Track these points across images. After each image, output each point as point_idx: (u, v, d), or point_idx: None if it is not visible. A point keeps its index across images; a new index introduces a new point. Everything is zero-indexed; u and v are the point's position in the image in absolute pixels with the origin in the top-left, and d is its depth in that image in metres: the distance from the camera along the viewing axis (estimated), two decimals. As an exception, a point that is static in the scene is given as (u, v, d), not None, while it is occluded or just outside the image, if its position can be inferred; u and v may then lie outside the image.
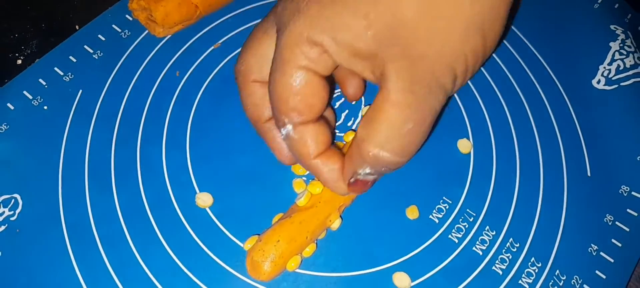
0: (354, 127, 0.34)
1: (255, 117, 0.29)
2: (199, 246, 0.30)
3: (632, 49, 0.37)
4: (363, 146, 0.24)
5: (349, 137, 0.33)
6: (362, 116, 0.26)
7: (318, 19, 0.23)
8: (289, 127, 0.25)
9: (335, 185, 0.27)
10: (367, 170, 0.26)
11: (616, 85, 0.36)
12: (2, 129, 0.33)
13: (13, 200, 0.31)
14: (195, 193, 0.32)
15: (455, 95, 0.36)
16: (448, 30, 0.22)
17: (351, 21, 0.22)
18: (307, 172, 0.32)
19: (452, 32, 0.22)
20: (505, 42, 0.38)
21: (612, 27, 0.38)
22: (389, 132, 0.24)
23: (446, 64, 0.23)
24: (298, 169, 0.32)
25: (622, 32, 0.38)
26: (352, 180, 0.26)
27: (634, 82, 0.36)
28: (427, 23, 0.22)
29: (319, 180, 0.28)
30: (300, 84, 0.24)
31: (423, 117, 0.24)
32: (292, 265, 0.29)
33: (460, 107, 0.35)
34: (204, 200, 0.31)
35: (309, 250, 0.29)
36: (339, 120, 0.35)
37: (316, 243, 0.30)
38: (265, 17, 0.28)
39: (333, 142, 0.28)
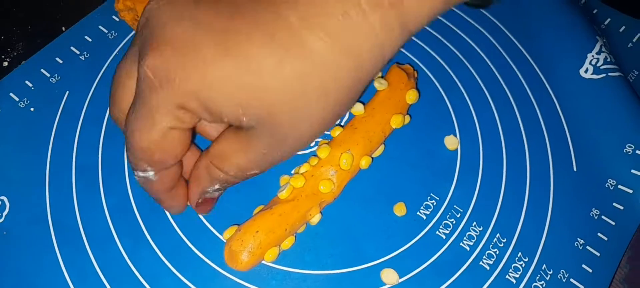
0: (341, 124, 0.34)
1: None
2: (187, 245, 0.30)
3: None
4: (219, 164, 0.26)
5: (335, 132, 0.32)
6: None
7: (188, 84, 0.21)
8: (150, 173, 0.25)
9: (180, 210, 0.29)
10: (216, 187, 0.27)
11: (604, 75, 0.35)
12: (-12, 131, 0.33)
13: (0, 203, 0.31)
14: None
15: (442, 91, 0.36)
16: (310, 121, 0.23)
17: (225, 102, 0.22)
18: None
19: (314, 122, 0.23)
20: (491, 38, 0.38)
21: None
22: (242, 161, 0.25)
23: (304, 143, 0.24)
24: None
25: (610, 21, 0.38)
26: (200, 200, 0.28)
27: (621, 74, 0.36)
28: (293, 115, 0.22)
29: (164, 207, 0.29)
30: (169, 140, 0.23)
31: (272, 160, 0.25)
32: (270, 256, 0.29)
33: (447, 104, 0.36)
34: None
35: (287, 243, 0.29)
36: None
37: (295, 237, 0.30)
38: (128, 53, 0.25)
39: None
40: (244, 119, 0.22)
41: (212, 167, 0.26)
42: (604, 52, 0.36)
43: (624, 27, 0.39)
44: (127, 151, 0.25)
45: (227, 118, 0.22)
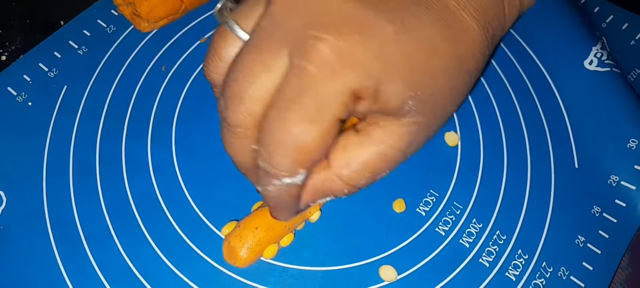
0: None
1: (244, 160, 0.24)
2: (185, 241, 0.30)
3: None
4: (344, 175, 0.23)
5: None
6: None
7: (371, 66, 0.20)
8: (300, 177, 0.22)
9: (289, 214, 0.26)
10: (328, 199, 0.25)
11: (608, 69, 0.35)
12: (-15, 126, 0.33)
13: (-3, 198, 0.31)
14: (181, 188, 0.32)
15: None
16: (460, 99, 0.23)
17: (399, 84, 0.20)
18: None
19: (461, 100, 0.24)
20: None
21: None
22: (367, 169, 0.23)
23: (444, 123, 0.24)
24: None
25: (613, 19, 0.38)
26: (304, 207, 0.25)
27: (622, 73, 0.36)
28: (450, 95, 0.23)
29: (269, 205, 0.25)
30: (333, 135, 0.21)
31: (417, 147, 0.24)
32: (269, 253, 0.29)
33: (447, 100, 0.35)
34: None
35: (286, 240, 0.29)
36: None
37: (294, 234, 0.30)
38: (266, 35, 0.21)
39: None
40: (410, 103, 0.21)
41: (335, 179, 0.23)
42: (606, 49, 0.36)
43: (626, 24, 0.39)
44: (271, 156, 0.21)
45: (393, 103, 0.21)
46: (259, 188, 0.24)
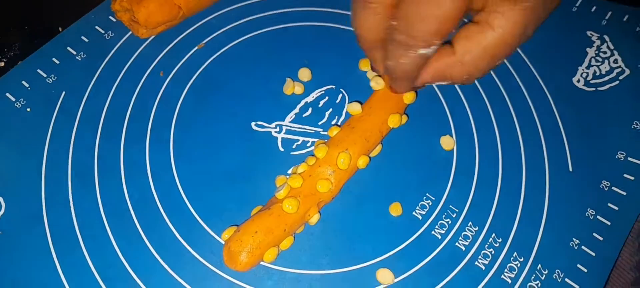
0: (339, 123, 0.34)
1: (374, 36, 0.27)
2: (182, 244, 0.30)
3: (608, 55, 0.38)
4: (467, 60, 0.26)
5: (333, 132, 0.33)
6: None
7: None
8: (434, 47, 0.25)
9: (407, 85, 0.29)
10: (444, 83, 0.28)
11: (594, 89, 0.36)
12: (-16, 132, 0.33)
13: (-5, 203, 0.31)
14: (179, 192, 0.32)
15: (438, 91, 0.36)
16: None
17: None
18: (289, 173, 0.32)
19: None
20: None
21: (588, 33, 0.39)
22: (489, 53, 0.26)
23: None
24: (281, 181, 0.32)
25: (598, 38, 0.38)
26: (420, 85, 0.29)
27: (610, 87, 0.36)
28: None
29: (394, 77, 0.28)
30: (465, 6, 0.24)
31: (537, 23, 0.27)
32: (269, 257, 0.29)
33: (443, 104, 0.36)
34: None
35: (286, 243, 0.29)
36: (322, 118, 0.35)
37: (294, 237, 0.30)
38: None
39: None
40: None
41: (457, 64, 0.27)
42: (593, 65, 0.37)
43: (627, 16, 0.40)
44: (412, 26, 0.24)
45: None
46: (389, 63, 0.27)
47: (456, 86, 0.36)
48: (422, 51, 0.25)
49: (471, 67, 0.27)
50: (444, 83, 0.28)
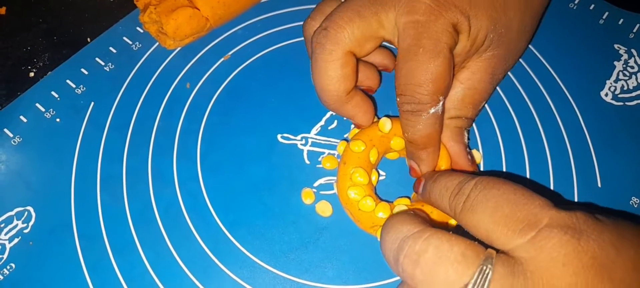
0: (347, 138, 0.34)
1: (341, 89, 0.29)
2: (209, 256, 0.30)
3: (635, 69, 0.37)
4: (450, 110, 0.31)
5: (341, 147, 0.33)
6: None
7: (460, 3, 0.27)
8: (441, 104, 0.28)
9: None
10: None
11: (622, 103, 0.36)
12: (15, 142, 0.34)
13: (26, 213, 0.31)
14: (206, 203, 0.32)
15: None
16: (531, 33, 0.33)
17: (484, 18, 0.28)
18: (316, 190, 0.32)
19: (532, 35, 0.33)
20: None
21: (615, 46, 0.38)
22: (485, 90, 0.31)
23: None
24: (308, 196, 0.32)
25: (626, 52, 0.38)
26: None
27: (638, 103, 0.36)
28: (522, 29, 0.31)
29: (419, 145, 0.30)
30: (451, 62, 0.27)
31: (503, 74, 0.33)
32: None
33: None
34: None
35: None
36: (348, 131, 0.35)
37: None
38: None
39: None
40: (491, 36, 0.29)
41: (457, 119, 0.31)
42: (621, 79, 0.36)
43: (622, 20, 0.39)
44: (415, 94, 0.27)
45: (481, 35, 0.28)
46: (407, 135, 0.29)
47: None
48: (433, 110, 0.28)
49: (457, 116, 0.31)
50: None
